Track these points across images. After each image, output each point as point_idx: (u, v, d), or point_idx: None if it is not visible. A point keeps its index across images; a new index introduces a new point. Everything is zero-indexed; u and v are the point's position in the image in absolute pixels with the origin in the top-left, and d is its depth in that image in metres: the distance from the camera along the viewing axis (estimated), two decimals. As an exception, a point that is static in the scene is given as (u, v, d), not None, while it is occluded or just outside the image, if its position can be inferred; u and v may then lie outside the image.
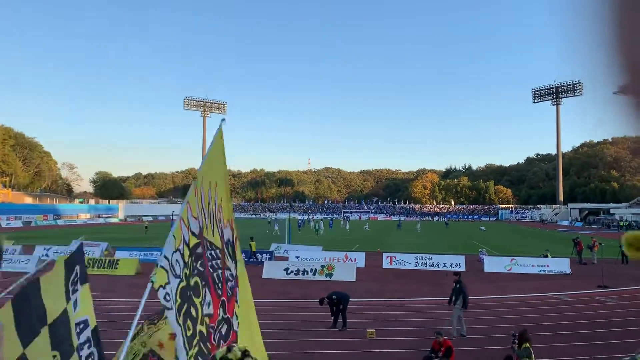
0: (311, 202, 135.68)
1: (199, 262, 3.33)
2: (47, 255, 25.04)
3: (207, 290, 3.36)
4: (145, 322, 3.51)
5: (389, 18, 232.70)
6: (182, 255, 3.08)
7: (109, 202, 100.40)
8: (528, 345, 7.86)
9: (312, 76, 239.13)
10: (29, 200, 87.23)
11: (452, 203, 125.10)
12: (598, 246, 25.38)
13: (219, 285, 3.58)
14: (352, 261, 23.64)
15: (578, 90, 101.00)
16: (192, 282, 3.15)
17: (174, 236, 3.01)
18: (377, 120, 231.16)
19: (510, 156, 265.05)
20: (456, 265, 22.93)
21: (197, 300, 3.17)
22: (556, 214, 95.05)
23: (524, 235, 51.87)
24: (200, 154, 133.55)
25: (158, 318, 3.46)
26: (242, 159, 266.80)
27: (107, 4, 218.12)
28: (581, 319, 13.29)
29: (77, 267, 3.09)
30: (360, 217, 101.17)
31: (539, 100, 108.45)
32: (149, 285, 2.67)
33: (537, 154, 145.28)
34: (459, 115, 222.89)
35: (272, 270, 20.92)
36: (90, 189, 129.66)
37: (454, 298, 11.63)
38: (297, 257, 24.45)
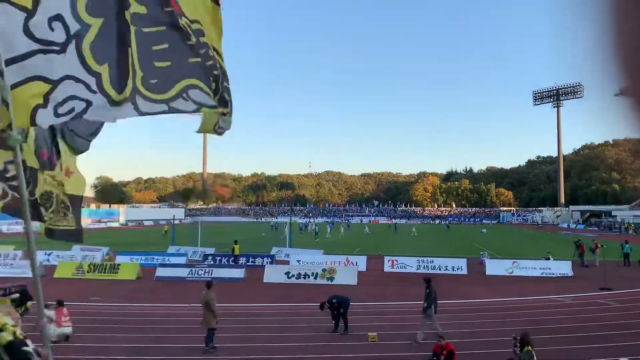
0: (312, 206, 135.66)
1: None
2: (48, 260, 25.01)
3: None
4: None
5: (389, 20, 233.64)
6: None
7: (109, 206, 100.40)
8: (530, 348, 7.83)
9: (313, 78, 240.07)
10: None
11: (454, 206, 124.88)
12: (600, 248, 25.33)
13: None
14: (353, 265, 23.61)
15: (579, 93, 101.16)
16: None
17: None
18: (377, 123, 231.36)
19: (511, 159, 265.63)
20: (458, 269, 22.80)
21: None
22: (558, 217, 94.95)
23: (526, 238, 51.78)
24: (201, 158, 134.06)
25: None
26: (243, 163, 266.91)
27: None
28: (583, 322, 13.25)
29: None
30: (361, 220, 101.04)
31: (539, 103, 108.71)
32: None
33: (538, 157, 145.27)
34: (459, 118, 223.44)
35: (273, 274, 20.86)
36: (91, 193, 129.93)
37: (427, 304, 11.64)
38: (299, 261, 24.39)
